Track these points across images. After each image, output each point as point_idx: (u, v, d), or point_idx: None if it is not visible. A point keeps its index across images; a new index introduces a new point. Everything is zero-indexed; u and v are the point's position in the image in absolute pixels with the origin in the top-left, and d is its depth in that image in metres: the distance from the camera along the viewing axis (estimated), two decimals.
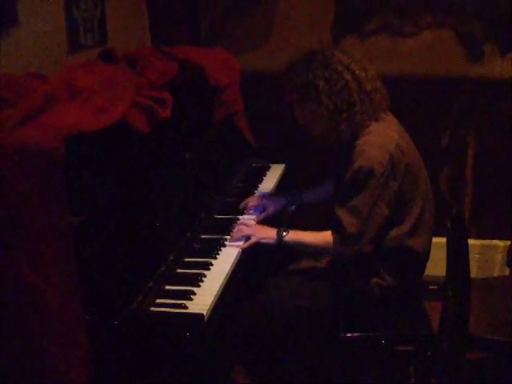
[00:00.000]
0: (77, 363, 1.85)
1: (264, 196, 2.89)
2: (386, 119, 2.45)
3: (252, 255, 2.50)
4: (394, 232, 2.40)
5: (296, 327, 2.47)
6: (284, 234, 2.45)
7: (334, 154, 2.62)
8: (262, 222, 2.70)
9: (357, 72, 2.37)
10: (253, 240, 2.48)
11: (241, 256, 2.44)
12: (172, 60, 2.62)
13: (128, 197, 2.17)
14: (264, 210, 2.77)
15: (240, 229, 2.54)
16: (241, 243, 2.48)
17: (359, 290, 2.45)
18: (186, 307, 2.03)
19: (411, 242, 2.42)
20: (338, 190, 2.52)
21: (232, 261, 2.37)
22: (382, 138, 2.35)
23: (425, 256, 2.50)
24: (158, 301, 2.09)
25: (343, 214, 2.34)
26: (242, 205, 2.79)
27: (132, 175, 2.23)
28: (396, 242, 2.41)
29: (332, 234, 2.39)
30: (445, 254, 2.45)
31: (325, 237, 2.40)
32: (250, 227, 2.55)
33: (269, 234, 2.48)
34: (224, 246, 2.47)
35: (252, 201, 2.81)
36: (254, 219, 2.69)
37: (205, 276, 2.24)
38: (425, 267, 2.57)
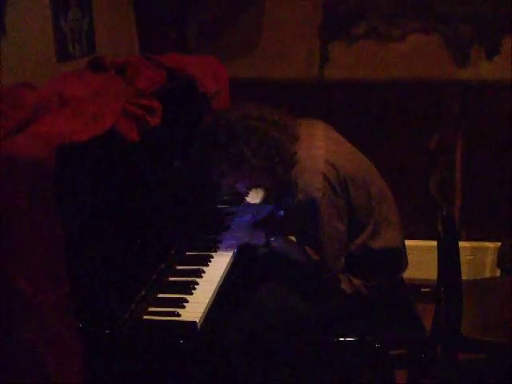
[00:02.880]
0: (71, 371, 1.84)
1: (250, 205, 2.92)
2: (307, 133, 2.43)
3: (244, 262, 2.50)
4: (359, 240, 2.41)
5: (288, 333, 2.46)
6: (272, 239, 2.46)
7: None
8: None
9: (258, 114, 2.37)
10: (243, 241, 2.52)
11: (232, 263, 2.45)
12: (161, 68, 2.62)
13: (119, 205, 2.17)
14: (252, 216, 2.78)
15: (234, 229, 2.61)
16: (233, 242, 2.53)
17: (346, 292, 2.45)
18: (178, 315, 2.03)
19: (376, 244, 2.42)
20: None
21: (224, 268, 2.37)
22: (307, 163, 2.33)
23: (397, 251, 2.50)
24: (150, 309, 2.08)
25: (304, 245, 2.37)
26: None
27: (122, 184, 2.23)
28: (362, 248, 2.42)
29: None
30: (436, 256, 2.46)
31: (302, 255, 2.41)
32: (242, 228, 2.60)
33: (257, 235, 2.51)
34: (216, 252, 2.47)
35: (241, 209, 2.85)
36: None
37: (197, 283, 2.24)
38: (403, 263, 2.57)
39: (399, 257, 2.54)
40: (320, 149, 2.37)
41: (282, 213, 2.87)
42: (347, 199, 2.35)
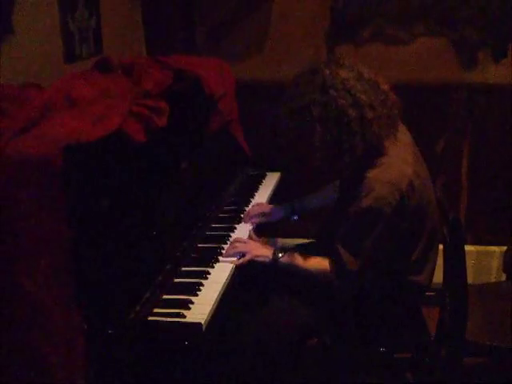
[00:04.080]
0: (75, 371, 1.84)
1: (264, 204, 2.89)
2: (399, 144, 2.28)
3: (250, 264, 2.50)
4: (395, 267, 2.35)
5: (293, 335, 2.46)
6: (280, 255, 2.41)
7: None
8: (261, 232, 2.70)
9: (358, 95, 2.16)
10: (247, 258, 2.43)
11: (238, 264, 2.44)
12: (167, 69, 2.62)
13: (125, 206, 2.17)
14: (263, 216, 2.77)
15: (235, 246, 2.48)
16: (235, 259, 2.43)
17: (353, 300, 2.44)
18: (183, 316, 2.03)
19: (412, 278, 2.37)
20: (338, 218, 2.39)
21: (230, 269, 2.37)
22: (394, 175, 2.19)
23: (425, 286, 2.44)
24: (155, 310, 2.08)
25: (344, 251, 2.26)
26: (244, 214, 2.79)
27: (128, 185, 2.23)
28: (396, 277, 2.36)
29: (330, 266, 2.32)
30: (442, 260, 2.45)
31: (323, 266, 2.34)
32: (246, 244, 2.49)
33: (264, 252, 2.44)
34: (221, 255, 2.47)
35: (252, 210, 2.81)
36: (249, 233, 2.66)
37: (202, 285, 2.24)
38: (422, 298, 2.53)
39: (425, 291, 2.48)
40: (409, 166, 2.23)
41: (296, 217, 2.83)
42: (409, 224, 2.26)
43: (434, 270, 2.45)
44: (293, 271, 2.42)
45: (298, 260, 2.40)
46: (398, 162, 2.24)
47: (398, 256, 2.33)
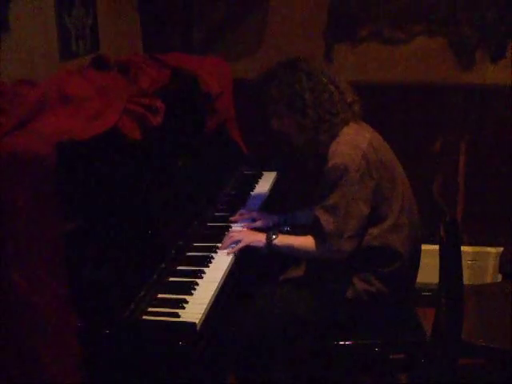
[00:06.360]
0: (68, 370, 1.83)
1: (255, 210, 2.88)
2: (358, 126, 2.47)
3: (244, 264, 2.49)
4: (376, 230, 2.39)
5: (288, 336, 2.46)
6: (273, 237, 2.46)
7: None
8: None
9: (338, 83, 2.44)
10: (242, 244, 2.48)
11: (233, 264, 2.44)
12: (164, 67, 2.62)
13: (120, 204, 2.16)
14: (253, 221, 2.76)
15: (230, 236, 2.54)
16: (231, 249, 2.48)
17: (347, 297, 2.44)
18: (178, 316, 2.02)
19: (392, 239, 2.41)
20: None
21: (224, 269, 2.37)
22: (353, 138, 2.39)
23: (408, 256, 2.46)
24: (150, 309, 2.07)
25: (321, 214, 2.35)
26: (233, 218, 2.78)
27: (123, 183, 2.23)
28: (378, 240, 2.40)
29: (313, 236, 2.41)
30: (437, 260, 2.45)
31: (310, 239, 2.42)
32: (240, 232, 2.57)
33: (258, 237, 2.50)
34: (216, 253, 2.47)
35: (243, 213, 2.81)
36: (243, 226, 2.69)
37: (197, 284, 2.23)
38: (413, 273, 2.56)
39: (408, 263, 2.49)
40: (367, 133, 2.44)
41: (287, 228, 2.83)
42: (378, 182, 2.36)
43: (411, 243, 2.47)
44: (287, 252, 2.50)
45: (291, 240, 2.48)
46: (355, 131, 2.44)
47: (377, 217, 2.39)
